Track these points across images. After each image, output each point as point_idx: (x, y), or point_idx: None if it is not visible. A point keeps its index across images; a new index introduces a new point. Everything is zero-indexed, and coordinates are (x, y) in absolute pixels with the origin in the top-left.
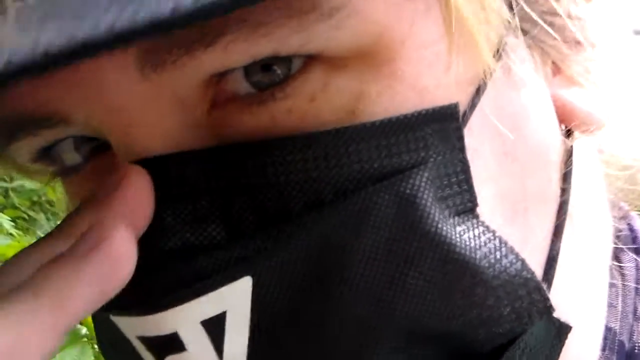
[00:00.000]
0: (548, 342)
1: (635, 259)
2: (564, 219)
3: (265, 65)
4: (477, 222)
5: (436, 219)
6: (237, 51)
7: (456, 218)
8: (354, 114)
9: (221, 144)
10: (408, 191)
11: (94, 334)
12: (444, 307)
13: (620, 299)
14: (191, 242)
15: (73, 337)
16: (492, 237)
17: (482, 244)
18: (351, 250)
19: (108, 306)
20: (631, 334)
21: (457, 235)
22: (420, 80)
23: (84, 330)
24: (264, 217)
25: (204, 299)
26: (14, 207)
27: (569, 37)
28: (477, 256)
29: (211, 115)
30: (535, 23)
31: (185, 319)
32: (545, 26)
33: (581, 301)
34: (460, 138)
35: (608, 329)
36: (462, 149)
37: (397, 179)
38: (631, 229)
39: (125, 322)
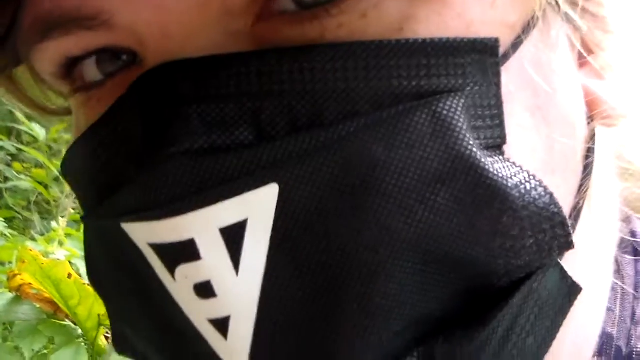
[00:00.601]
0: (559, 299)
1: (635, 263)
2: (584, 200)
3: None
4: (504, 158)
5: (471, 142)
6: None
7: (485, 151)
8: (401, 32)
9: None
10: (445, 112)
11: (88, 334)
12: (469, 231)
13: (618, 302)
14: (218, 144)
15: (68, 338)
16: (521, 170)
17: (513, 174)
18: (384, 164)
19: (122, 212)
20: (629, 339)
21: (490, 163)
22: (467, 12)
23: (79, 331)
24: (297, 124)
25: (226, 204)
26: (8, 208)
27: (600, 25)
28: (509, 184)
29: (255, 28)
30: (573, 3)
31: (203, 225)
32: (574, 13)
33: (588, 291)
34: (498, 74)
35: (605, 334)
36: (497, 85)
37: (434, 99)
38: (632, 233)
39: (137, 229)
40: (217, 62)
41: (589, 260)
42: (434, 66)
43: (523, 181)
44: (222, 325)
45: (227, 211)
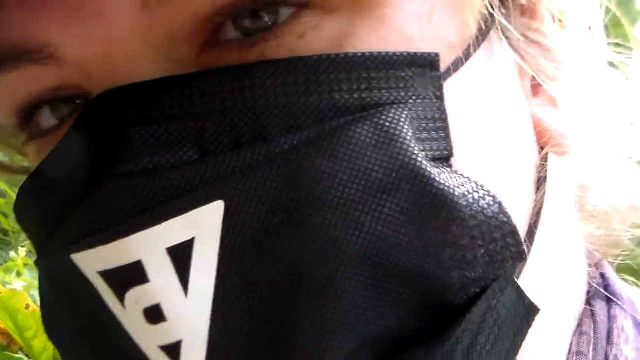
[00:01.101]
0: (517, 320)
1: (607, 307)
2: (537, 223)
3: (253, 12)
4: (452, 169)
5: (415, 151)
6: None
7: (431, 162)
8: (341, 48)
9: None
10: (388, 123)
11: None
12: (418, 242)
13: (591, 347)
14: (161, 164)
15: None
16: (468, 181)
17: (460, 184)
18: (328, 177)
19: (71, 241)
20: None
21: (436, 173)
22: (405, 28)
23: None
24: (240, 141)
25: (171, 223)
26: None
27: (547, 55)
28: (456, 193)
29: (199, 57)
30: (516, 21)
31: (150, 245)
32: (517, 40)
33: (548, 316)
34: (440, 87)
35: None
36: (440, 98)
37: (377, 111)
38: (603, 277)
39: (86, 258)
40: (160, 85)
41: (549, 286)
42: (374, 79)
43: (471, 191)
44: (173, 351)
45: (173, 230)
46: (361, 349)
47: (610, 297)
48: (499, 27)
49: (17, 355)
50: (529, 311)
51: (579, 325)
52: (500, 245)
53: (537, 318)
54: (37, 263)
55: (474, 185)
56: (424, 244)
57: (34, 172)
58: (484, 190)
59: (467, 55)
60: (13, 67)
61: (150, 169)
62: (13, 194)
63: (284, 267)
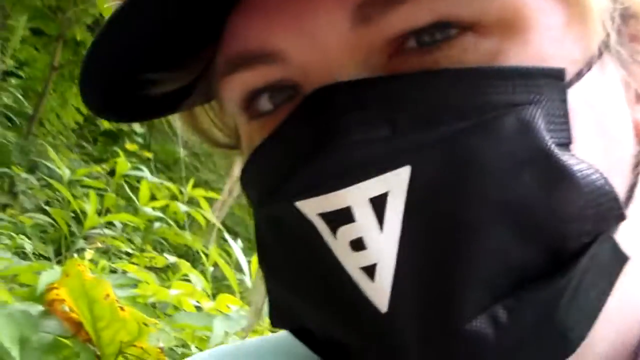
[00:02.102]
0: (612, 265)
1: None
2: (631, 199)
3: (431, 32)
4: (571, 153)
5: (546, 138)
6: (422, 10)
7: (557, 147)
8: (494, 62)
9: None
10: (527, 117)
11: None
12: (547, 202)
13: None
14: (367, 138)
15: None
16: (583, 161)
17: (577, 163)
18: (486, 152)
19: (297, 192)
20: None
21: (560, 154)
22: (543, 50)
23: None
24: (423, 124)
25: (373, 181)
26: None
27: None
28: (574, 168)
29: (388, 63)
30: (625, 46)
31: (356, 196)
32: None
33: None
34: (565, 93)
35: None
36: (565, 101)
37: (520, 108)
38: None
39: (308, 204)
40: (364, 83)
41: (637, 243)
42: (519, 85)
43: (584, 168)
44: (370, 270)
45: (374, 186)
46: (499, 277)
47: None
48: (612, 50)
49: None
50: (621, 260)
51: None
52: (605, 207)
53: (627, 265)
54: (256, 209)
55: (587, 165)
56: (551, 202)
57: (264, 141)
58: (594, 169)
59: (587, 70)
60: (249, 67)
61: (359, 140)
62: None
63: (452, 216)
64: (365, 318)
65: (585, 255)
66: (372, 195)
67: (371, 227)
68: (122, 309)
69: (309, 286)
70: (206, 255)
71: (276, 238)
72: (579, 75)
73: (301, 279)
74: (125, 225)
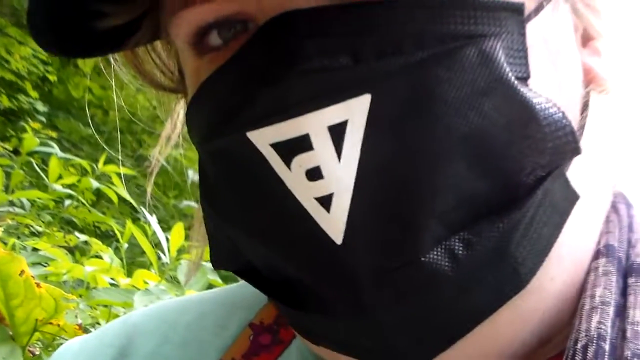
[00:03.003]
0: (564, 203)
1: (627, 209)
2: (581, 135)
3: None
4: (529, 87)
5: (507, 70)
6: None
7: (516, 80)
8: None
9: None
10: (488, 49)
11: (20, 338)
12: (505, 132)
13: (617, 228)
14: (326, 66)
15: (2, 337)
16: (540, 95)
17: (535, 96)
18: (446, 81)
19: (249, 122)
20: (627, 256)
21: (519, 86)
22: None
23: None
24: (383, 53)
25: (332, 108)
26: None
27: (596, 15)
28: (533, 100)
29: None
30: None
31: (316, 123)
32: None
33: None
34: (523, 27)
35: (609, 245)
36: (523, 35)
37: (481, 39)
38: (623, 196)
39: (261, 134)
40: (323, 10)
41: (586, 182)
42: (479, 17)
43: (542, 102)
44: (325, 201)
45: (333, 113)
46: (456, 208)
47: (629, 203)
48: None
49: None
50: (572, 197)
51: (607, 217)
52: (562, 141)
53: (577, 204)
54: (199, 145)
55: (545, 99)
56: (510, 134)
57: (213, 74)
58: (552, 102)
59: (540, 7)
60: (203, 2)
61: (318, 68)
62: None
63: (410, 142)
64: (319, 251)
65: (540, 189)
66: (331, 123)
67: (329, 155)
68: (38, 285)
69: (259, 221)
70: (121, 233)
71: (223, 173)
72: (537, 10)
73: (250, 215)
74: (33, 203)
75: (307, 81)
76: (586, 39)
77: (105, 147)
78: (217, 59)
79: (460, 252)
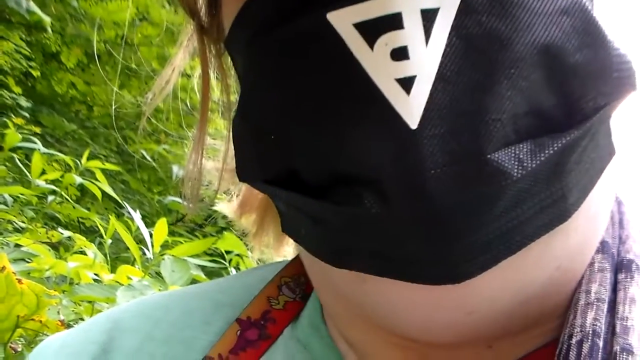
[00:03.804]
0: (605, 151)
1: (618, 206)
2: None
3: None
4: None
5: (587, 2)
6: None
7: None
8: None
9: None
10: None
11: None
12: (579, 52)
13: (610, 224)
14: None
15: None
16: (609, 34)
17: (606, 27)
18: None
19: (331, 2)
20: (619, 251)
21: (595, 14)
22: None
23: None
24: None
25: None
26: None
27: None
28: (605, 31)
29: None
30: None
31: (410, 3)
32: None
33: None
34: None
35: (604, 241)
36: None
37: None
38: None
39: (344, 14)
40: None
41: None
42: None
43: (611, 35)
44: (407, 83)
45: None
46: (526, 114)
47: (620, 200)
48: None
49: None
50: (611, 150)
51: None
52: (625, 74)
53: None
54: (252, 40)
55: (612, 38)
56: (583, 55)
57: None
58: (617, 40)
59: None
60: None
61: None
62: None
63: (495, 41)
64: (390, 134)
65: (596, 117)
66: (424, 7)
67: (418, 37)
68: (19, 281)
69: (320, 109)
70: (105, 229)
71: (281, 65)
72: None
73: (310, 105)
74: (16, 199)
75: None
76: None
77: (89, 142)
78: None
79: (525, 158)
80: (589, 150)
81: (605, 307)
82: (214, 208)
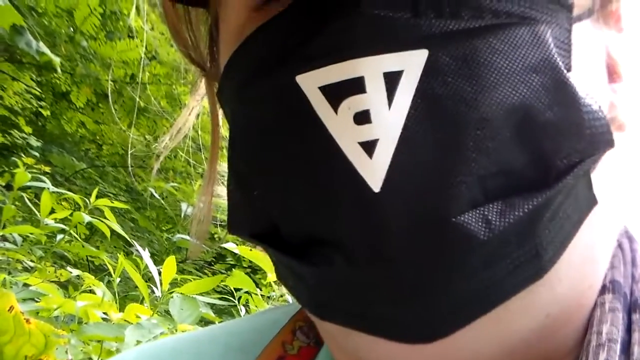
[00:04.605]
0: (584, 203)
1: (630, 243)
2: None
3: None
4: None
5: (555, 54)
6: None
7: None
8: None
9: None
10: (540, 32)
11: None
12: (549, 111)
13: (621, 263)
14: (387, 14)
15: None
16: (583, 86)
17: (578, 85)
18: (499, 52)
19: (301, 64)
20: (632, 291)
21: (565, 70)
22: None
23: None
24: (442, 14)
25: (390, 56)
26: None
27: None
28: (576, 88)
29: None
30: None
31: (372, 67)
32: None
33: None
34: (571, 24)
35: (615, 280)
36: (570, 31)
37: (534, 22)
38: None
39: (311, 77)
40: None
41: (601, 203)
42: (535, 3)
43: (583, 91)
44: (370, 146)
45: (390, 61)
46: (495, 176)
47: (632, 237)
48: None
49: None
50: (591, 201)
51: (612, 252)
52: (599, 131)
53: (593, 210)
54: (238, 97)
55: (585, 90)
56: (553, 114)
57: (268, 21)
58: (591, 95)
59: (586, 16)
60: None
61: (381, 15)
62: None
63: (460, 103)
64: (354, 198)
65: (571, 175)
66: (387, 70)
67: (380, 101)
68: (28, 321)
69: (290, 171)
70: (114, 267)
71: (257, 121)
72: (580, 18)
73: (280, 165)
74: (25, 239)
75: (369, 24)
76: (611, 74)
77: (99, 180)
78: (271, 12)
79: (493, 220)
80: (565, 205)
81: (617, 347)
82: (223, 245)
